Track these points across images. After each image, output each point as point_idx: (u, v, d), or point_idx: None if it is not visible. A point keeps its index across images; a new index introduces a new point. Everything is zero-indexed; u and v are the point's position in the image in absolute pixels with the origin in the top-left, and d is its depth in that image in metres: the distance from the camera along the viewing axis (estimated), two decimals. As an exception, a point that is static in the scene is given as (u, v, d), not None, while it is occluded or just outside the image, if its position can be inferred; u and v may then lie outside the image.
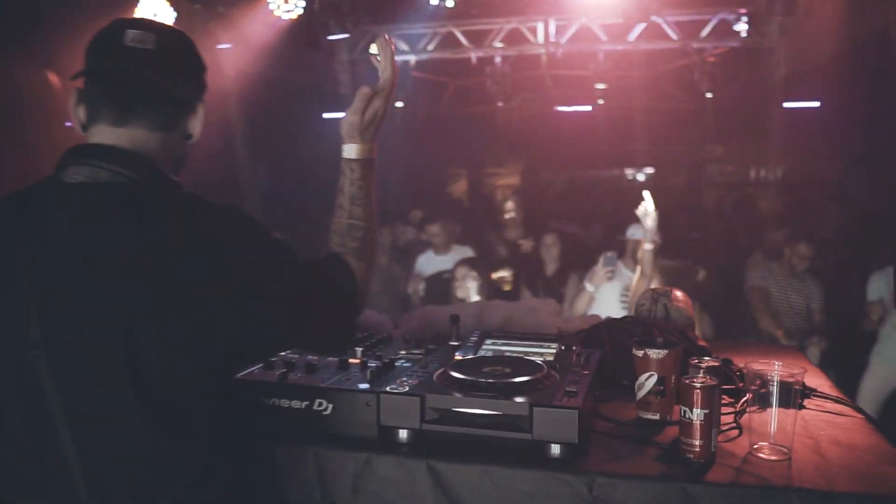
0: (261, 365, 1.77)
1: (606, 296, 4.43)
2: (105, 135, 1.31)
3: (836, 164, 9.25)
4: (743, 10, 5.76)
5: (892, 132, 6.42)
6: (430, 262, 5.44)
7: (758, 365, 1.50)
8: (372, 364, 1.77)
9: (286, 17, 5.40)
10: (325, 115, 8.22)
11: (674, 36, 5.99)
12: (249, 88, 5.66)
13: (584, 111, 9.48)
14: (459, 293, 4.47)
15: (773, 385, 1.45)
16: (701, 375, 1.46)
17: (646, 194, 3.87)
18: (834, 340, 4.50)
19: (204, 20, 4.57)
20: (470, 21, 6.62)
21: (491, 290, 4.67)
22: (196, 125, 1.40)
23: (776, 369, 1.46)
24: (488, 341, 1.99)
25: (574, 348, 1.85)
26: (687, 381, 1.44)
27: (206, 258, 1.22)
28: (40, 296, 1.20)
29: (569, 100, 8.71)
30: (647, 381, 1.64)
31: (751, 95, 6.79)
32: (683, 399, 1.44)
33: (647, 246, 3.97)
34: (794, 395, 1.46)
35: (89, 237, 1.22)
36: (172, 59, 1.34)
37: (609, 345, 2.00)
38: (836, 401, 1.79)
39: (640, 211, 3.85)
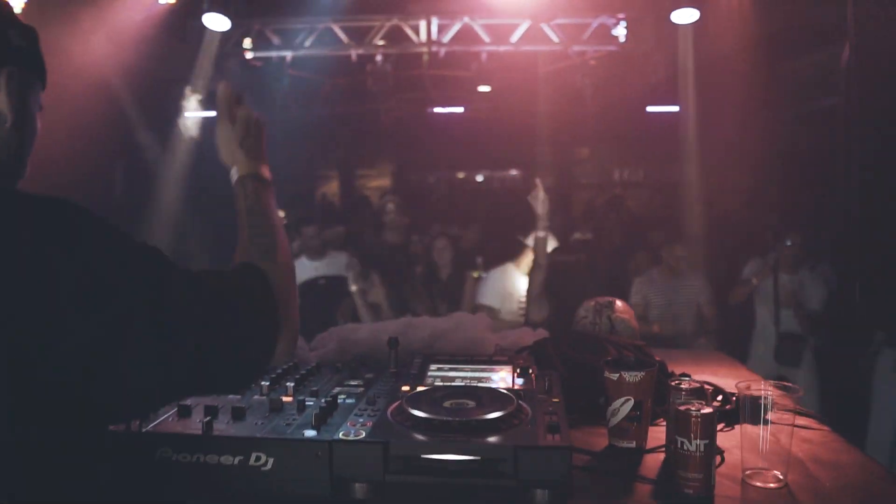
0: (174, 411, 1.47)
1: (507, 305, 4.36)
2: None
3: (693, 167, 9.81)
4: (622, 15, 5.90)
5: (747, 137, 6.87)
6: (302, 269, 4.96)
7: (745, 384, 1.40)
8: (310, 403, 1.52)
9: (163, 0, 4.88)
10: (188, 114, 7.66)
11: (555, 38, 6.04)
12: (111, 80, 5.08)
13: (458, 113, 9.42)
14: (371, 298, 4.36)
15: (768, 408, 1.35)
16: (695, 402, 1.34)
17: (537, 181, 3.93)
18: (720, 337, 4.66)
19: (64, 3, 3.95)
20: (350, 17, 6.35)
21: (403, 296, 4.59)
22: (2, 98, 1.05)
23: (769, 391, 1.37)
24: (433, 366, 1.79)
25: (531, 371, 1.69)
26: (683, 409, 1.31)
27: (20, 268, 0.85)
28: None
29: (448, 101, 8.61)
30: (623, 407, 1.51)
31: (623, 99, 7.03)
32: (680, 429, 1.31)
33: (540, 234, 3.96)
34: (776, 415, 1.37)
35: None
36: None
37: (560, 363, 1.87)
38: (799, 413, 1.74)
39: (531, 196, 3.89)
